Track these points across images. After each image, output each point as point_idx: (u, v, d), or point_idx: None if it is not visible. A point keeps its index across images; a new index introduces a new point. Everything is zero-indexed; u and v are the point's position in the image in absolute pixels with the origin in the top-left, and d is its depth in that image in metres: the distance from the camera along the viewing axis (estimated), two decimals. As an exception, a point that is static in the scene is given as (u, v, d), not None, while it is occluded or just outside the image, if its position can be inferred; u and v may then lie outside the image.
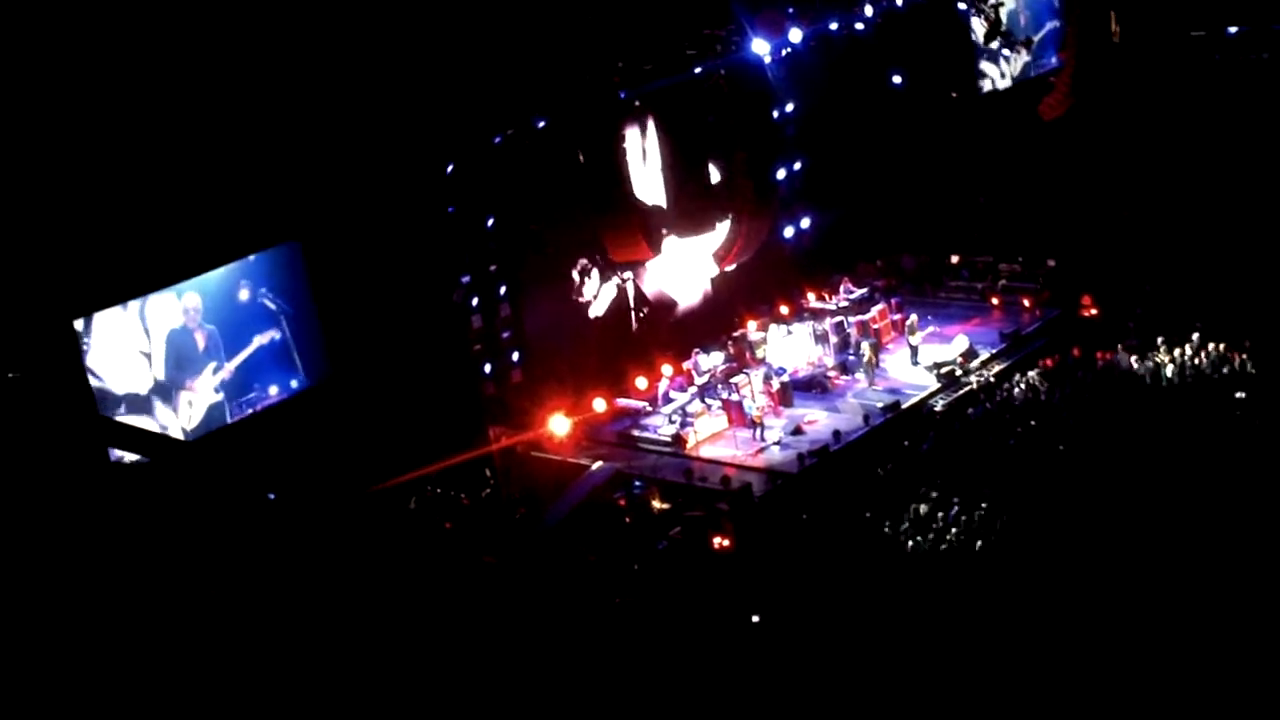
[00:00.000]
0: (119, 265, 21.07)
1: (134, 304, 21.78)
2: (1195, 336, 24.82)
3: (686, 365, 27.19)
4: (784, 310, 29.73)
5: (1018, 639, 17.49)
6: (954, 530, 20.33)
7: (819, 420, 25.38)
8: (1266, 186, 29.99)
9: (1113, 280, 28.93)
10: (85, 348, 21.16)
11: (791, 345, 28.10)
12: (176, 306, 22.50)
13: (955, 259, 31.78)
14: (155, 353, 22.28)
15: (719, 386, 26.26)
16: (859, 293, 29.76)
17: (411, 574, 19.98)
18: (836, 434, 24.41)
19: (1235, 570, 17.99)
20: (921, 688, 16.96)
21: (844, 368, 27.28)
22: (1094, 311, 28.32)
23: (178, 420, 22.50)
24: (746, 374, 26.60)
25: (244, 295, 23.29)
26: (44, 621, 17.57)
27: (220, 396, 23.12)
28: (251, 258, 23.29)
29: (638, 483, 23.59)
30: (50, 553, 18.35)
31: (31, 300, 19.97)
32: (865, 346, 27.07)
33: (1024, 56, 34.20)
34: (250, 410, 23.46)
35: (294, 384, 23.95)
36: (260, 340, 23.55)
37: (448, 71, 24.28)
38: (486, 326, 26.03)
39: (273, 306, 23.70)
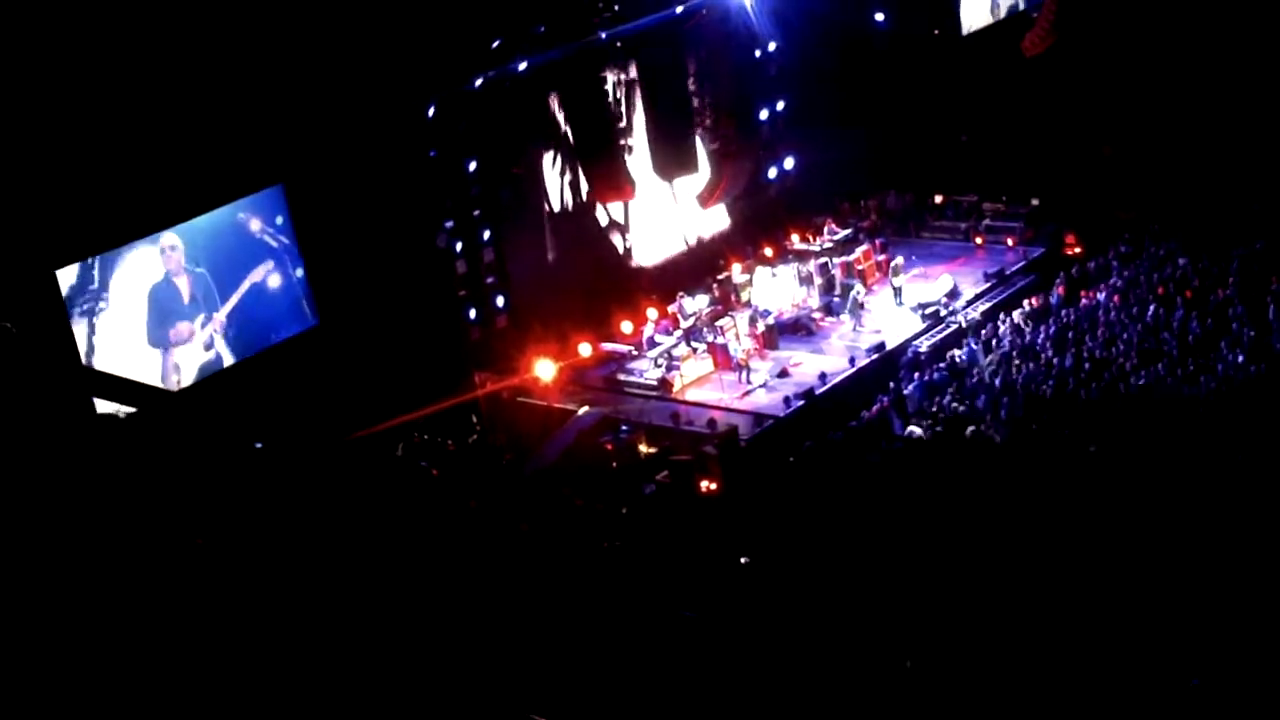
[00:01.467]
0: (100, 213, 20.86)
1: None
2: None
3: (671, 308, 27.13)
4: (768, 252, 29.63)
5: (1007, 573, 17.59)
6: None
7: (804, 363, 25.42)
8: (1251, 118, 29.96)
9: (1096, 217, 28.96)
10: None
11: (776, 287, 28.08)
12: (152, 252, 21.98)
13: (939, 198, 31.73)
14: (135, 313, 21.84)
15: (704, 330, 26.26)
16: (843, 233, 29.70)
17: (398, 520, 19.99)
18: (822, 376, 24.46)
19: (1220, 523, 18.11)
20: (909, 626, 17.06)
21: (829, 309, 27.28)
22: (1078, 250, 28.34)
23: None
24: (732, 317, 26.59)
25: (254, 226, 22.91)
26: (31, 574, 17.54)
27: (211, 354, 22.83)
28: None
29: (624, 427, 23.62)
30: (36, 503, 18.30)
31: (12, 250, 19.77)
32: (855, 289, 27.06)
33: None
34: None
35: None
36: (254, 278, 23.14)
37: (427, 14, 24.00)
38: (470, 271, 25.93)
39: (273, 243, 23.34)
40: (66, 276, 21.01)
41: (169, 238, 22.16)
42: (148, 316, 22.02)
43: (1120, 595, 16.46)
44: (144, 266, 21.97)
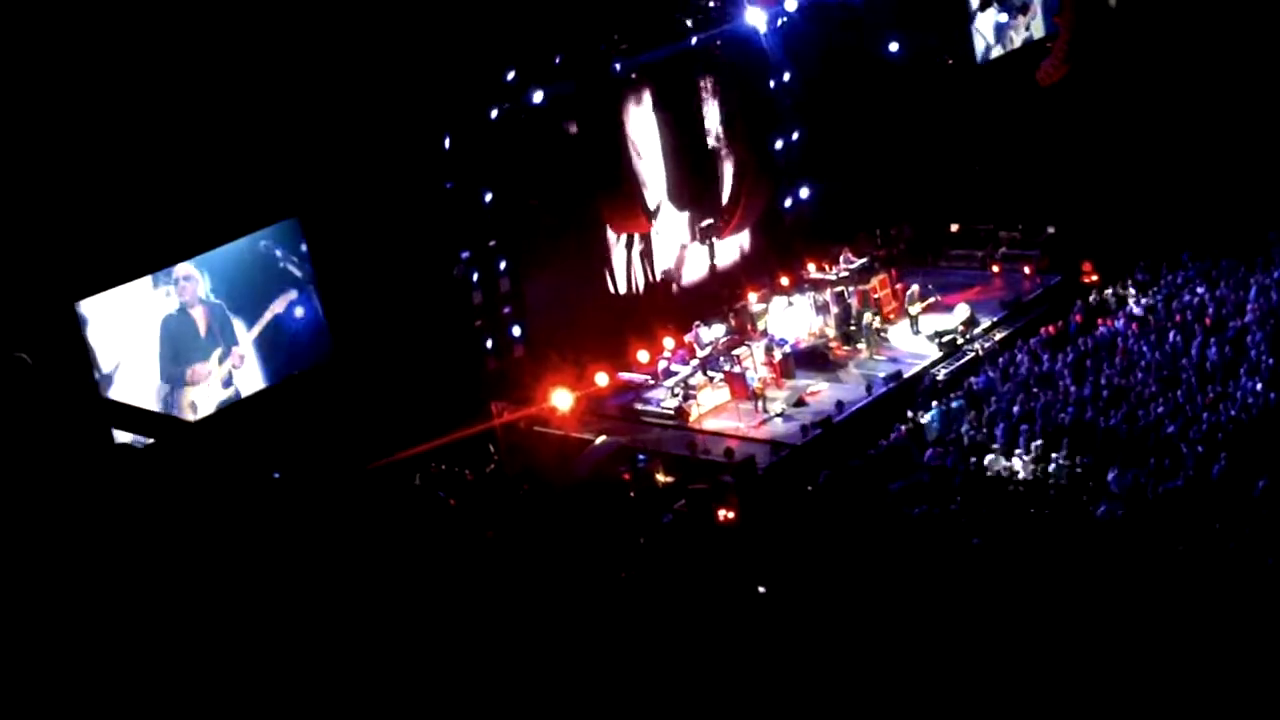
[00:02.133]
0: (117, 246, 20.97)
1: (121, 293, 21.11)
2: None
3: (688, 338, 27.11)
4: (784, 281, 29.63)
5: (1024, 610, 17.49)
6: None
7: (821, 391, 25.38)
8: (1262, 148, 29.93)
9: (1112, 245, 28.90)
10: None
11: (792, 316, 28.06)
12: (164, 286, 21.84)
13: (955, 227, 31.71)
14: (149, 349, 21.65)
15: (721, 359, 26.23)
16: (859, 262, 29.68)
17: (416, 550, 19.96)
18: (839, 404, 24.41)
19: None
20: (927, 659, 16.96)
21: (845, 338, 27.25)
22: (1094, 277, 28.28)
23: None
24: (748, 346, 26.56)
25: (277, 254, 22.72)
26: (49, 603, 17.55)
27: (230, 391, 22.73)
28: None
29: (641, 456, 23.57)
30: (54, 534, 18.32)
31: (32, 282, 19.88)
32: (869, 317, 27.05)
33: (1022, 19, 34.04)
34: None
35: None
36: (277, 309, 23.07)
37: (444, 46, 24.16)
38: (487, 301, 26.00)
39: (298, 273, 23.36)
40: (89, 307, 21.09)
41: (184, 268, 22.06)
42: (160, 350, 21.88)
43: (1151, 633, 16.36)
44: (154, 298, 21.92)
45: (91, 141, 20.41)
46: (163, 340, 21.89)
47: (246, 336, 22.94)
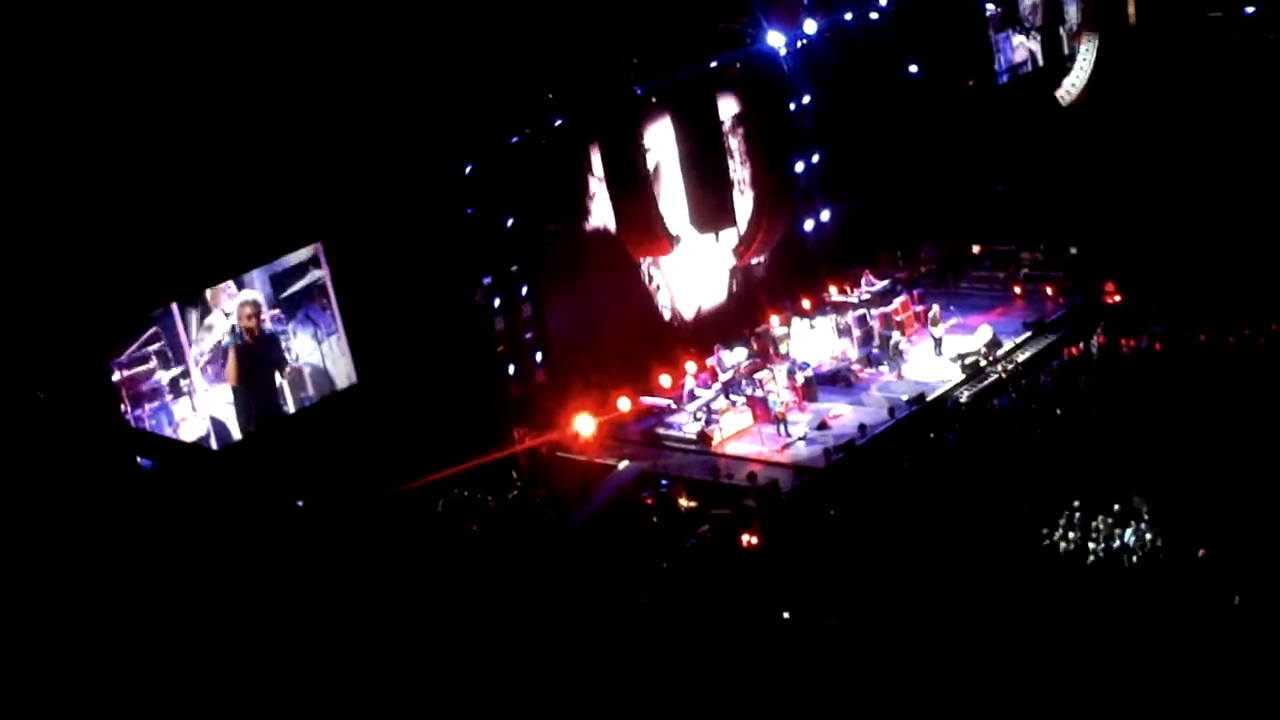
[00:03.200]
0: (141, 279, 21.04)
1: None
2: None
3: (710, 362, 27.11)
4: (806, 304, 29.62)
5: (1045, 631, 17.44)
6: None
7: (844, 415, 25.31)
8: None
9: (1136, 266, 28.78)
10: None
11: (814, 339, 28.03)
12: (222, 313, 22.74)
13: (977, 248, 31.63)
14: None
15: (743, 382, 26.21)
16: (880, 285, 29.65)
17: (440, 576, 19.98)
18: (862, 428, 24.35)
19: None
20: (947, 682, 16.90)
21: (868, 360, 27.19)
22: (1117, 298, 28.16)
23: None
24: (770, 369, 26.55)
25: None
26: (74, 630, 17.62)
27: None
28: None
29: (664, 481, 23.53)
30: (80, 564, 18.40)
31: (56, 315, 19.95)
32: (894, 338, 27.03)
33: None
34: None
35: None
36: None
37: (464, 72, 24.26)
38: (509, 327, 26.02)
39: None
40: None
41: (248, 294, 22.99)
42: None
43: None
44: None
45: (111, 169, 20.45)
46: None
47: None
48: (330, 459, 22.53)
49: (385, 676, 17.83)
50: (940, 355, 26.96)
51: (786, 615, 19.14)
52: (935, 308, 27.82)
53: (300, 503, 20.47)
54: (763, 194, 29.86)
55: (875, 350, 27.20)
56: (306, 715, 17.45)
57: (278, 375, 23.46)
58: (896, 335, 27.00)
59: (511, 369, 25.97)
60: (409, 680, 17.75)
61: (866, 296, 29.13)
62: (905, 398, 25.21)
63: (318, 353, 23.83)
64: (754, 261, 30.37)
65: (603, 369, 26.82)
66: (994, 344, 26.65)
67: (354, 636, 18.57)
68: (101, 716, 16.80)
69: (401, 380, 24.19)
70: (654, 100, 27.85)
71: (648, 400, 26.66)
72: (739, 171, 29.90)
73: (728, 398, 25.85)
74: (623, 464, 24.09)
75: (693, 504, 22.96)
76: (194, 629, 18.46)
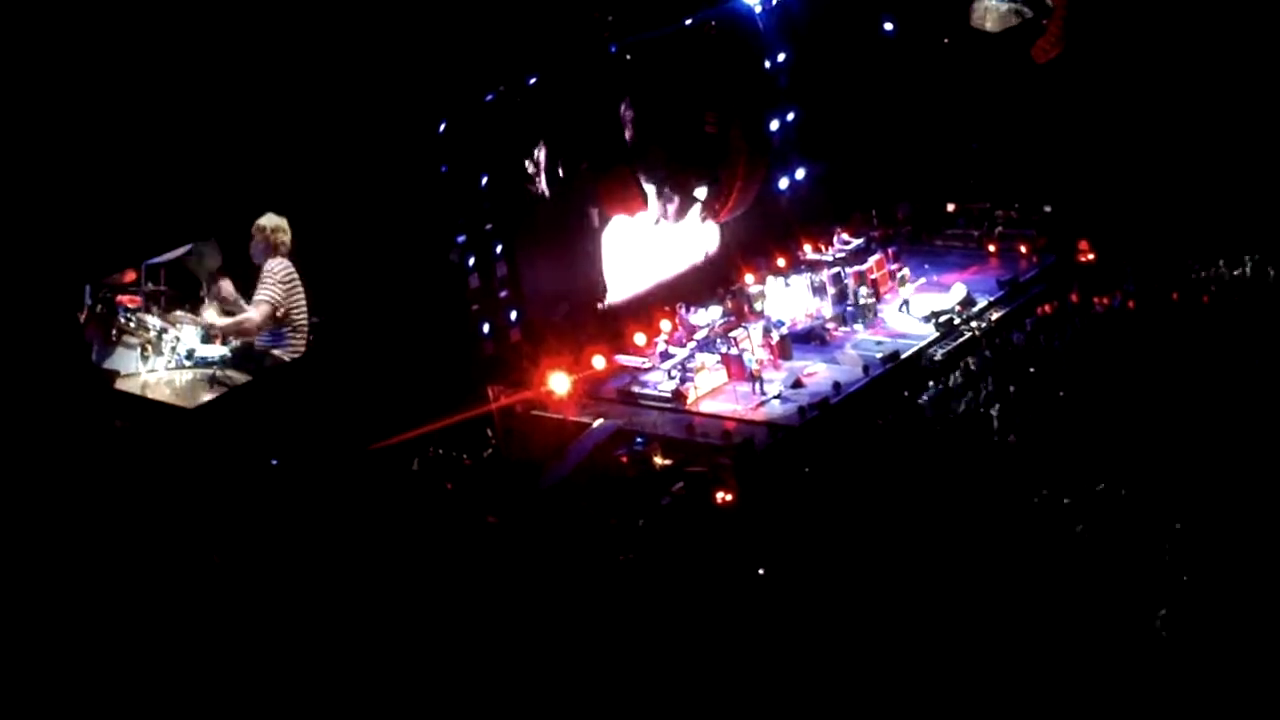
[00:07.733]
0: (92, 246, 20.57)
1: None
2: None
3: (683, 318, 27.09)
4: (781, 263, 29.60)
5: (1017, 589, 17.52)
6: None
7: (818, 372, 25.35)
8: (1262, 124, 29.80)
9: (1109, 224, 28.85)
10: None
11: (789, 298, 28.04)
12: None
13: (951, 207, 31.67)
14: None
15: (718, 341, 26.21)
16: (855, 243, 29.67)
17: (415, 534, 20.00)
18: (836, 386, 24.40)
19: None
20: (927, 637, 16.99)
21: (842, 319, 27.24)
22: (1091, 256, 28.25)
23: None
24: (745, 328, 26.54)
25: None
26: (49, 590, 17.58)
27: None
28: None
29: (639, 439, 23.53)
30: (53, 524, 18.34)
31: (23, 278, 19.60)
32: (866, 295, 27.15)
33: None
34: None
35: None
36: None
37: (437, 28, 24.02)
38: (484, 286, 25.90)
39: None
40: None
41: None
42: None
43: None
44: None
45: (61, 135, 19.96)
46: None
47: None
48: (303, 417, 22.44)
49: (362, 636, 17.85)
50: (911, 314, 27.03)
51: (761, 571, 19.21)
52: (905, 269, 27.88)
53: (275, 461, 20.43)
54: (737, 153, 29.73)
55: (849, 308, 27.26)
56: (280, 675, 17.47)
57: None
58: (864, 292, 27.05)
59: (486, 327, 25.88)
60: (384, 640, 17.77)
61: (841, 254, 29.12)
62: (879, 355, 25.28)
63: (288, 309, 23.73)
64: (728, 219, 30.28)
65: (578, 327, 26.83)
66: (968, 302, 26.77)
67: (328, 595, 18.58)
68: (71, 681, 16.76)
69: (375, 337, 24.04)
70: (628, 58, 27.66)
71: (622, 359, 26.63)
72: (713, 130, 29.71)
73: (702, 355, 25.79)
74: (597, 422, 24.07)
75: (668, 462, 22.98)
76: (166, 589, 18.44)
